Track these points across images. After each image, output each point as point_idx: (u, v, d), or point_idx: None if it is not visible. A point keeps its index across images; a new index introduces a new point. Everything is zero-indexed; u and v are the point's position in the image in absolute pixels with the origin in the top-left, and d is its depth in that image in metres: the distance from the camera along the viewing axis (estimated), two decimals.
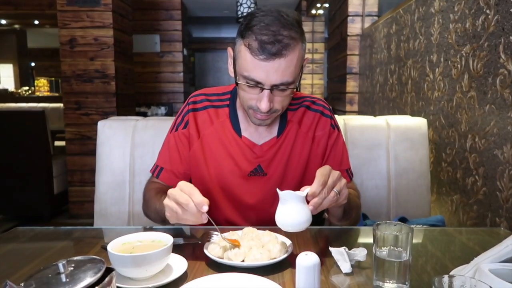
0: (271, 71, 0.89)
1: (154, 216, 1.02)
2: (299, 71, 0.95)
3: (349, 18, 3.20)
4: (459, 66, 1.49)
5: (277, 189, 0.78)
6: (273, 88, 0.91)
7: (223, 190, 1.08)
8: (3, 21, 6.53)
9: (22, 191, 3.37)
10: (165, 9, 5.42)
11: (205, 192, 1.09)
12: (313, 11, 5.43)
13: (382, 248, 0.68)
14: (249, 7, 3.28)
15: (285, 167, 1.08)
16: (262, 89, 0.91)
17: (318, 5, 5.03)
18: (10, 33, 7.58)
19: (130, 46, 3.90)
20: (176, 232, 1.00)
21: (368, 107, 2.97)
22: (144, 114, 4.74)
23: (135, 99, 4.11)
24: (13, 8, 5.42)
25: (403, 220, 1.42)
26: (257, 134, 1.07)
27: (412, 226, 0.70)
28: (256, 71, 0.90)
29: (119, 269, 0.69)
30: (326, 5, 4.82)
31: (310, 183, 1.10)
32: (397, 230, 0.70)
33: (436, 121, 1.69)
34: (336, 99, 3.78)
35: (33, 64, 10.07)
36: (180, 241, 0.89)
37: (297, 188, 1.10)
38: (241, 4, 3.28)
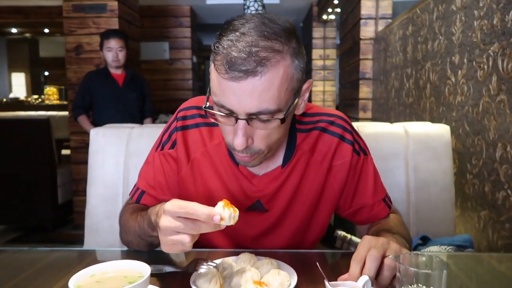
0: (244, 95, 0.68)
1: (136, 241, 0.86)
2: (291, 96, 0.72)
3: (362, 21, 3.06)
4: (485, 67, 1.34)
5: (326, 282, 0.61)
6: (250, 118, 0.70)
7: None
8: (14, 30, 6.59)
9: (26, 200, 3.29)
10: (174, 16, 5.37)
11: None
12: (324, 17, 5.31)
13: (409, 287, 0.54)
14: (256, 10, 3.17)
15: (290, 203, 0.89)
16: (237, 119, 0.71)
17: (330, 10, 4.91)
18: (22, 42, 7.66)
19: (137, 53, 3.83)
20: (159, 257, 0.87)
21: (382, 114, 2.82)
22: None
23: None
24: (23, 17, 5.45)
25: (425, 239, 1.27)
26: None
27: (442, 255, 0.56)
28: (225, 95, 0.69)
29: None
30: (338, 10, 4.70)
31: (318, 222, 0.94)
32: (427, 265, 0.56)
33: (459, 128, 1.53)
34: (348, 105, 3.64)
35: (46, 73, 10.17)
36: (165, 268, 0.76)
37: (302, 228, 0.93)
38: (248, 7, 3.18)
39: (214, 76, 0.71)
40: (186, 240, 0.64)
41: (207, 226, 0.63)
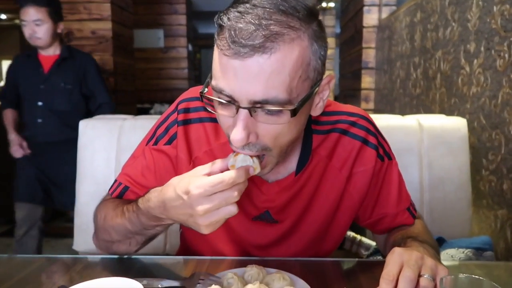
0: (248, 76, 0.55)
1: (126, 240, 0.74)
2: (306, 87, 0.59)
3: (365, 8, 2.95)
4: (506, 55, 1.24)
5: None
6: (254, 107, 0.58)
7: (218, 231, 0.79)
8: (3, 16, 6.38)
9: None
10: (169, 3, 5.20)
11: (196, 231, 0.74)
12: (324, 4, 5.19)
13: None
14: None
15: (303, 215, 0.78)
16: (238, 108, 0.58)
17: None
18: (12, 28, 7.44)
19: (130, 40, 3.70)
20: (155, 269, 0.78)
21: (386, 105, 2.72)
22: (147, 110, 4.56)
23: (136, 96, 3.91)
24: (12, 2, 5.24)
25: (440, 240, 1.18)
26: None
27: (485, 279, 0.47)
28: (225, 76, 0.57)
29: None
30: None
31: (335, 233, 0.84)
32: None
33: (474, 121, 1.44)
34: (349, 96, 3.54)
35: None
36: (161, 283, 0.67)
37: (316, 240, 0.83)
38: None
39: (216, 55, 0.60)
40: (233, 209, 0.59)
41: (244, 184, 0.61)
